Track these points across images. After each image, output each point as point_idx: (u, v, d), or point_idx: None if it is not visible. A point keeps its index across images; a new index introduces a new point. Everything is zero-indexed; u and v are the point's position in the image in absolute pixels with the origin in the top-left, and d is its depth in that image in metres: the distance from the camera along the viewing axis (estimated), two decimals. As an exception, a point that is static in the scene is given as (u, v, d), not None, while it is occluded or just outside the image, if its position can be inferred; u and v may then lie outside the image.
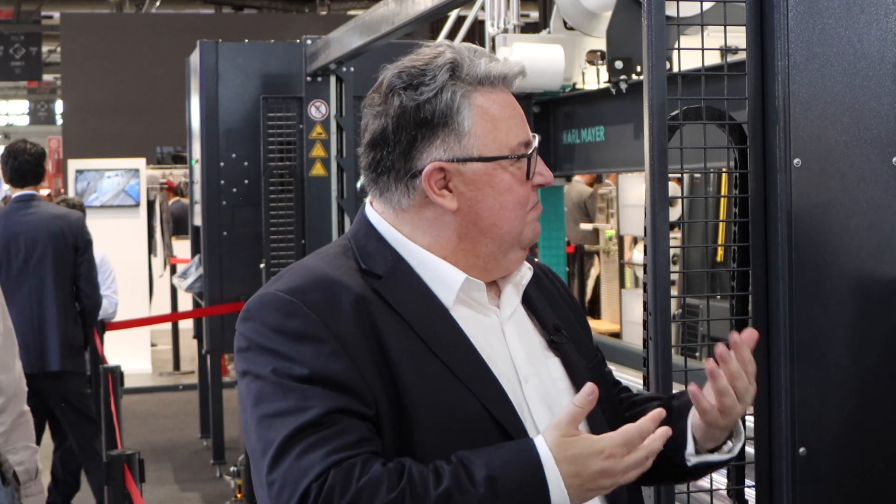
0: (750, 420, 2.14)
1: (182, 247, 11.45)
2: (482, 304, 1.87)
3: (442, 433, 1.73)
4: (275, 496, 1.67)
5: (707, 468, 1.94)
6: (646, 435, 1.69)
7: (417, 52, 1.88)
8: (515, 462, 1.67)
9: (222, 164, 7.55)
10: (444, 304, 1.83)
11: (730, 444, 1.91)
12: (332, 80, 6.38)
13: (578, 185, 11.30)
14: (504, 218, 1.84)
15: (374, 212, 1.89)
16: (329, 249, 1.90)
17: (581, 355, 1.95)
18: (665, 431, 1.71)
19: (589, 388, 1.69)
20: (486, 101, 1.84)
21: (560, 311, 1.99)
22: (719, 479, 2.23)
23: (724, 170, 2.25)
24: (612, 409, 1.95)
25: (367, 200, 1.93)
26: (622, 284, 9.30)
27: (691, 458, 1.89)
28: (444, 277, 1.84)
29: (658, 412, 1.71)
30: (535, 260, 2.08)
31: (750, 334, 1.82)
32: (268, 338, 1.75)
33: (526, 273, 1.93)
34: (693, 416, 1.87)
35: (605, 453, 1.68)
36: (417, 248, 1.85)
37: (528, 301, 1.95)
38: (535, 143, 1.88)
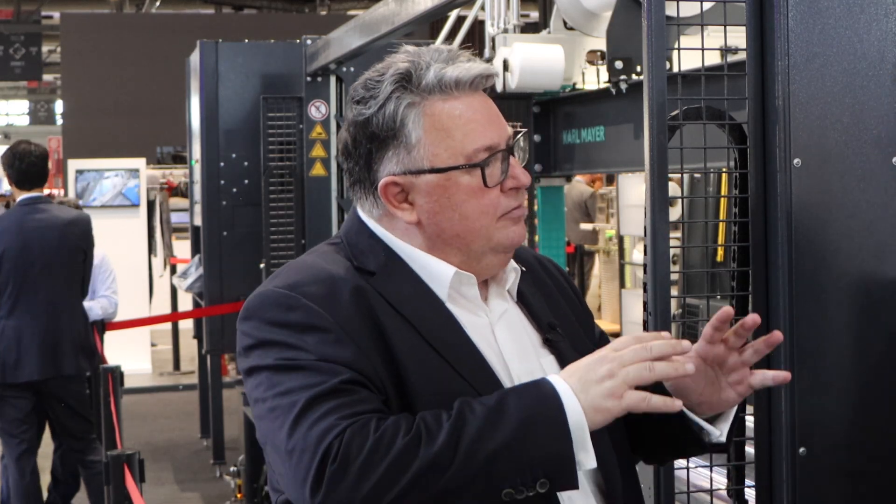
0: (750, 420, 2.14)
1: (182, 247, 11.45)
2: (472, 302, 1.86)
3: None
4: (295, 463, 1.64)
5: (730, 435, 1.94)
6: (642, 339, 1.71)
7: (386, 59, 1.86)
8: (524, 385, 1.70)
9: (222, 164, 7.55)
10: (440, 298, 1.83)
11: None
12: (332, 80, 6.38)
13: (579, 185, 11.29)
14: (467, 228, 1.82)
15: (364, 213, 1.90)
16: (321, 247, 1.90)
17: (578, 351, 1.95)
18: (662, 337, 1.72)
19: None
20: (439, 109, 1.81)
21: (557, 306, 1.98)
22: (719, 480, 2.23)
23: (724, 170, 2.25)
24: None
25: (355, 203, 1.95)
26: (622, 284, 9.29)
27: (721, 437, 1.90)
28: (434, 272, 1.84)
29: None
30: (535, 252, 2.08)
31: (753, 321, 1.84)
32: (271, 332, 1.75)
33: (511, 276, 1.92)
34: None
35: (599, 355, 1.69)
36: (406, 245, 1.85)
37: (522, 298, 1.94)
38: (512, 141, 1.84)
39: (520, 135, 1.88)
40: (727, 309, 1.82)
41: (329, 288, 1.77)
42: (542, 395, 1.66)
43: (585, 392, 1.66)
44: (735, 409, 1.93)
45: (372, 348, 1.73)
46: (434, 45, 1.92)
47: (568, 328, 1.96)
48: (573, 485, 1.65)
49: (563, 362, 1.90)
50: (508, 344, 1.86)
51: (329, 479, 1.61)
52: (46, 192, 6.77)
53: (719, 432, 1.90)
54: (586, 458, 1.65)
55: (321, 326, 1.72)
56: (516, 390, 1.69)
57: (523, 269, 1.95)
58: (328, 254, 1.86)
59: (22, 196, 6.30)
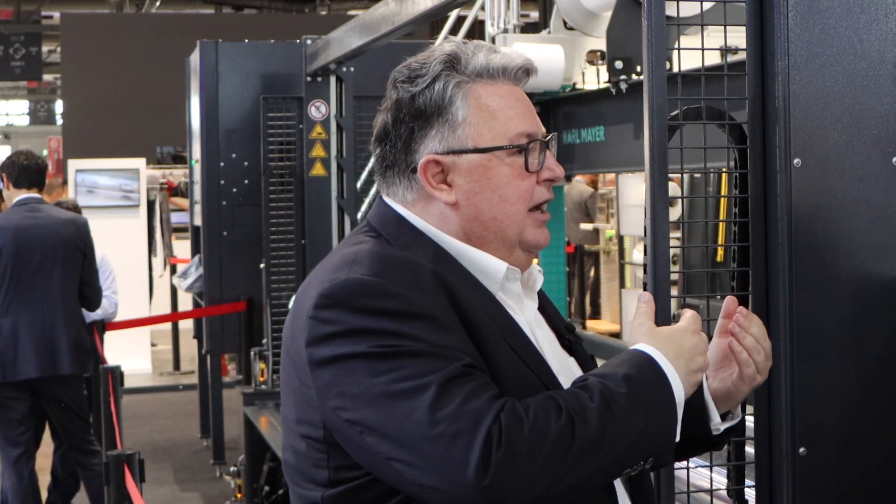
0: (750, 420, 2.14)
1: (182, 247, 11.46)
2: (514, 299, 1.87)
3: None
4: (445, 447, 1.60)
5: (728, 434, 2.00)
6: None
7: (427, 49, 1.89)
8: (635, 363, 1.73)
9: (222, 164, 7.55)
10: (491, 292, 1.83)
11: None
12: (332, 80, 6.38)
13: (579, 185, 11.30)
14: (504, 212, 1.83)
15: (396, 203, 1.88)
16: (361, 238, 1.85)
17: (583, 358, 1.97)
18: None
19: (646, 295, 1.86)
20: (484, 92, 1.84)
21: (557, 315, 2.01)
22: (719, 480, 2.23)
23: (724, 170, 2.25)
24: None
25: (383, 193, 1.92)
26: (622, 284, 9.30)
27: (720, 426, 1.94)
28: (485, 268, 1.84)
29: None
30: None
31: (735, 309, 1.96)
32: (367, 321, 1.69)
33: (539, 278, 1.94)
34: (709, 389, 1.94)
35: (691, 328, 1.80)
36: (453, 240, 1.84)
37: (539, 304, 1.95)
38: (548, 137, 1.88)
39: (552, 135, 1.91)
40: (731, 299, 1.94)
41: (413, 275, 1.74)
42: (657, 379, 1.72)
43: (686, 377, 1.75)
44: (738, 419, 1.99)
45: (463, 332, 1.72)
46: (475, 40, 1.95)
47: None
48: (671, 462, 1.76)
49: (582, 365, 1.93)
50: (544, 342, 1.88)
51: (497, 464, 1.59)
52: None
53: (719, 422, 1.94)
54: (678, 435, 1.73)
55: (424, 314, 1.69)
56: (637, 375, 1.71)
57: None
58: (379, 244, 1.82)
59: (18, 197, 6.29)
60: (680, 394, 1.72)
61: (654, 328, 1.80)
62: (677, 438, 1.72)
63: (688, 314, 1.83)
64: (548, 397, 1.67)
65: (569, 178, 4.69)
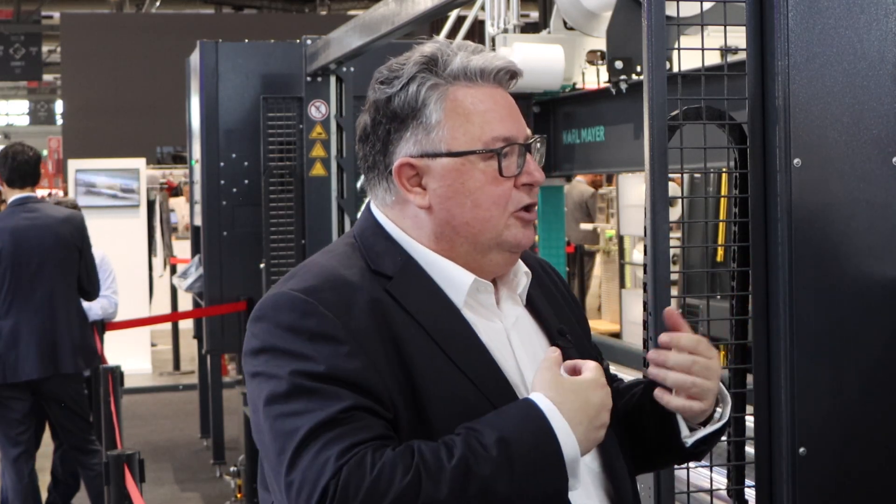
0: (750, 420, 2.14)
1: (182, 247, 11.46)
2: (488, 309, 1.85)
3: None
4: (294, 497, 1.63)
5: (706, 443, 1.93)
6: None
7: (410, 49, 1.88)
8: (521, 420, 1.67)
9: (222, 164, 7.55)
10: (456, 304, 1.81)
11: (718, 410, 1.91)
12: (332, 80, 6.38)
13: (579, 185, 11.29)
14: (478, 217, 1.81)
15: (378, 209, 1.88)
16: (337, 248, 1.87)
17: (583, 357, 1.95)
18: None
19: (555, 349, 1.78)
20: (462, 95, 1.81)
21: (561, 311, 1.98)
22: (719, 480, 2.23)
23: (724, 170, 2.25)
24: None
25: (368, 195, 1.92)
26: (622, 284, 9.28)
27: (688, 439, 1.89)
28: (452, 279, 1.82)
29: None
30: (537, 256, 2.07)
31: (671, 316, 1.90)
32: (282, 338, 1.71)
33: (523, 280, 1.91)
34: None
35: (599, 381, 1.74)
36: (424, 249, 1.83)
37: (530, 303, 1.93)
38: (530, 140, 1.85)
39: (536, 137, 1.88)
40: (668, 310, 1.90)
41: (345, 296, 1.74)
42: (542, 436, 1.66)
43: (586, 433, 1.70)
44: (713, 428, 1.91)
45: (384, 361, 1.71)
46: (460, 40, 1.93)
47: (574, 334, 1.96)
48: None
49: None
50: (522, 351, 1.85)
51: None
52: (41, 192, 6.74)
53: (688, 434, 1.89)
54: (575, 484, 1.69)
55: (334, 337, 1.70)
56: (516, 436, 1.65)
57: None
58: (345, 256, 1.83)
59: (13, 196, 6.28)
60: (573, 451, 1.67)
61: (559, 378, 1.73)
62: (575, 488, 1.68)
63: (590, 365, 1.77)
64: (406, 450, 1.63)
65: (569, 179, 4.69)
